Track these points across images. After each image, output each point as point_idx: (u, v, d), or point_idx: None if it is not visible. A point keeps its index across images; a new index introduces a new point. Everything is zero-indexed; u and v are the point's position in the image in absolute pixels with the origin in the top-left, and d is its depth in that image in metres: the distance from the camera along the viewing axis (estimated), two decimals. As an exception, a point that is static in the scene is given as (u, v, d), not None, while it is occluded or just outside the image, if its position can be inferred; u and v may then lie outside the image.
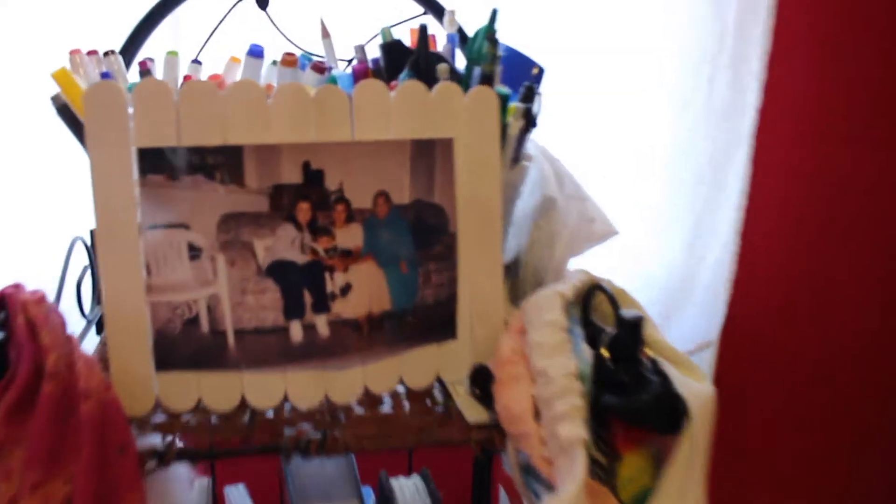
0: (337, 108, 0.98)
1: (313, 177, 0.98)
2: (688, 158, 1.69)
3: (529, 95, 1.19)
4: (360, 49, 1.19)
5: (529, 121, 1.17)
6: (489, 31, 1.14)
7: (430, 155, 1.04)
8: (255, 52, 1.10)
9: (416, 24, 1.20)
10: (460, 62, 1.24)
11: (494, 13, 1.14)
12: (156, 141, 0.91)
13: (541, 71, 1.30)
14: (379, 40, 1.20)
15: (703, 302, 1.77)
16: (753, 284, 1.82)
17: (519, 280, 1.27)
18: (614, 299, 1.03)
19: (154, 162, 0.91)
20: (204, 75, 1.20)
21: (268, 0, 1.34)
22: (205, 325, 0.95)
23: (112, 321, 0.92)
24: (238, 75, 1.18)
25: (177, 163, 0.92)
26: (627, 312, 0.98)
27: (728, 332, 1.77)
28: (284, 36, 1.35)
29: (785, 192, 1.83)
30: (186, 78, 1.16)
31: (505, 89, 1.14)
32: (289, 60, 1.10)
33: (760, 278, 1.85)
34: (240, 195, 0.95)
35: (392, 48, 1.19)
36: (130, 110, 0.90)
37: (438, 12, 1.36)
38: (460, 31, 1.33)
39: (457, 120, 1.06)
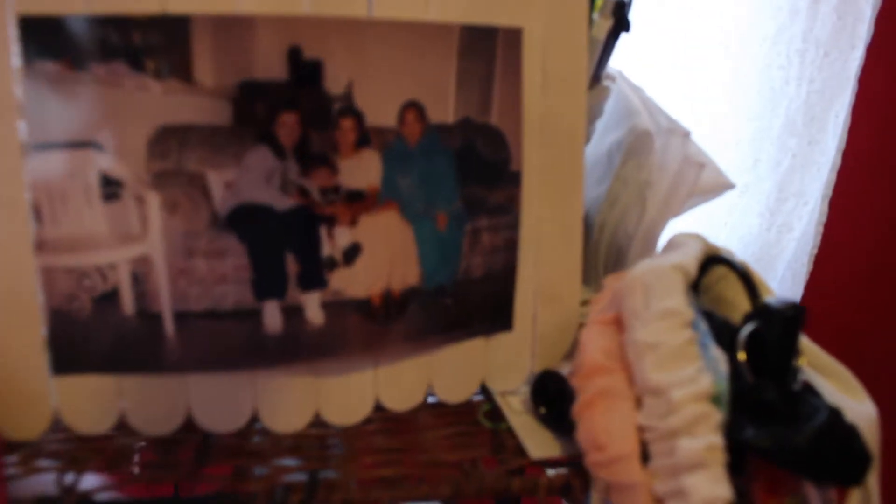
0: (345, -37, 0.61)
1: (306, 72, 0.63)
2: (777, 102, 1.35)
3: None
4: None
5: (621, 21, 0.80)
6: None
7: (487, 51, 0.69)
8: None
9: None
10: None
11: None
12: (49, 4, 0.59)
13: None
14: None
15: (782, 282, 1.43)
16: (836, 262, 1.48)
17: (589, 247, 0.90)
18: (751, 280, 0.71)
19: (46, 40, 0.59)
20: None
21: None
22: (128, 305, 0.64)
23: None
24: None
25: (83, 41, 0.59)
26: (777, 300, 0.68)
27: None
28: None
29: (881, 152, 1.48)
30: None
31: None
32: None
33: (844, 255, 1.50)
34: (186, 97, 0.62)
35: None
36: None
37: None
38: None
39: (529, 1, 0.70)
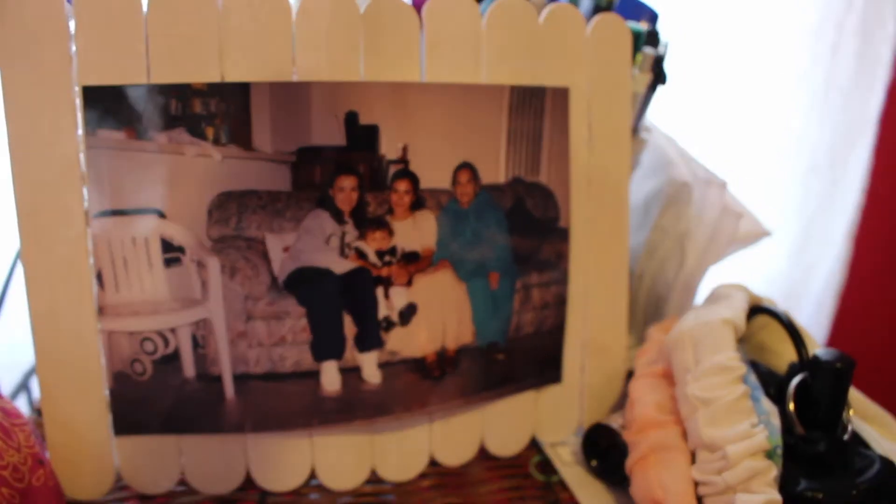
0: (399, 32, 0.61)
1: (362, 136, 0.61)
2: (801, 145, 1.32)
3: (654, 41, 0.79)
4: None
5: (659, 74, 0.78)
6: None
7: (536, 110, 0.67)
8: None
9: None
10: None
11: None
12: (112, 75, 0.58)
13: (653, 17, 0.90)
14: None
15: (809, 320, 1.39)
16: (863, 299, 1.44)
17: (629, 299, 0.88)
18: (796, 330, 0.67)
19: (109, 109, 0.57)
20: None
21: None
22: (188, 368, 0.62)
23: (45, 362, 0.61)
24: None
25: (144, 110, 0.58)
26: (826, 352, 0.66)
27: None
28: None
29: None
30: None
31: (636, 25, 0.75)
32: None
33: (871, 293, 1.46)
34: (245, 163, 0.60)
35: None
36: (72, 27, 0.57)
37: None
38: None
39: (575, 60, 0.69)
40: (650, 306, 0.90)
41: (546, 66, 0.68)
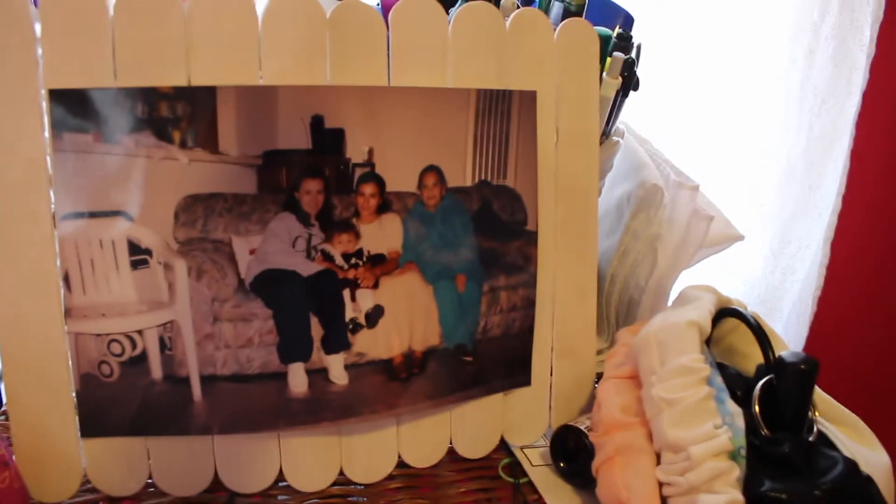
0: (365, 36, 0.61)
1: (328, 140, 0.61)
2: (778, 149, 1.32)
3: (625, 45, 0.80)
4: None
5: (630, 80, 0.78)
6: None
7: (502, 114, 0.66)
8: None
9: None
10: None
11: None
12: (79, 79, 0.57)
13: (628, 20, 0.91)
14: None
15: (787, 323, 1.40)
16: (840, 302, 1.44)
17: (601, 299, 0.88)
18: (763, 332, 0.68)
19: (75, 112, 0.57)
20: None
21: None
22: (156, 370, 0.62)
23: (11, 364, 0.61)
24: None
25: (111, 114, 0.58)
26: (791, 354, 0.66)
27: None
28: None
29: (881, 195, 1.44)
30: None
31: (605, 30, 0.75)
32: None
33: (848, 296, 1.46)
34: (212, 166, 0.60)
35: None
36: (38, 30, 0.57)
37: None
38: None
39: (542, 64, 0.68)
40: (622, 309, 0.90)
41: (513, 71, 0.68)
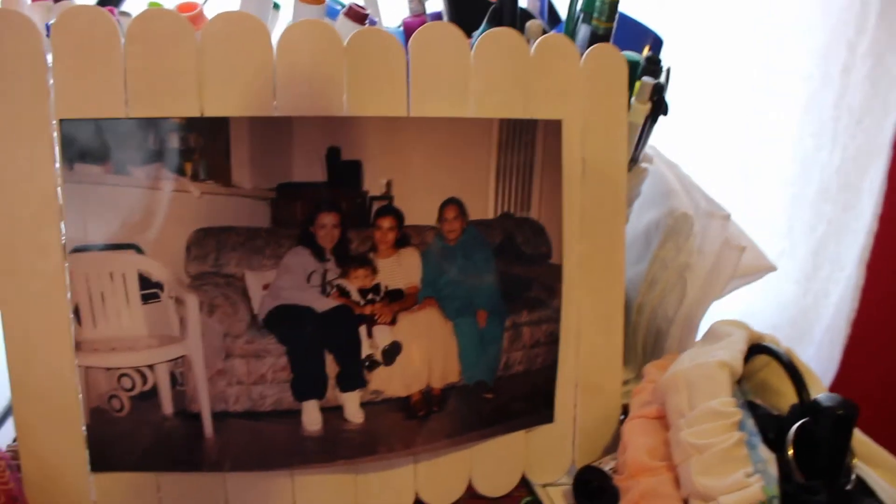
0: (384, 64, 0.58)
1: (344, 172, 0.58)
2: (810, 170, 1.27)
3: (654, 69, 0.76)
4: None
5: (659, 104, 0.75)
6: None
7: (526, 144, 0.63)
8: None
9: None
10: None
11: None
12: (90, 109, 0.55)
13: (657, 42, 0.87)
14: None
15: (820, 347, 1.35)
16: (875, 326, 1.39)
17: (628, 329, 0.84)
18: (797, 372, 0.65)
19: (86, 143, 0.55)
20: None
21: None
22: (167, 405, 0.59)
23: (22, 397, 0.58)
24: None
25: (122, 145, 0.55)
26: (828, 397, 0.61)
27: (839, 385, 1.37)
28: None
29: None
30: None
31: (633, 54, 0.72)
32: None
33: (884, 320, 1.41)
34: (224, 199, 0.57)
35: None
36: (49, 59, 0.54)
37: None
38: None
39: (568, 92, 0.65)
40: (649, 340, 0.86)
41: (537, 99, 0.64)
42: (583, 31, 0.76)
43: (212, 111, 0.56)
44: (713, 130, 1.26)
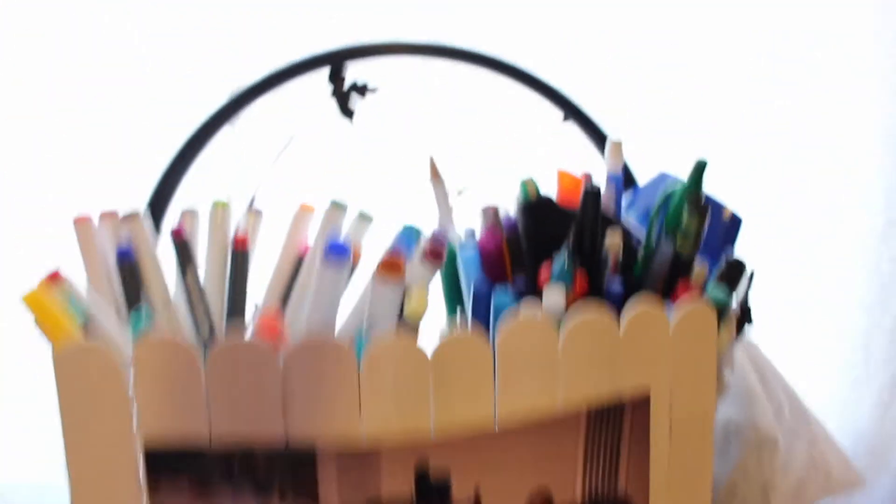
0: (470, 372, 0.57)
1: (433, 493, 0.57)
2: (888, 297, 1.20)
3: (735, 274, 0.73)
4: (492, 213, 0.74)
5: (744, 318, 0.72)
6: (692, 191, 0.70)
7: (614, 426, 0.60)
8: (337, 252, 0.63)
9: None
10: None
11: (701, 166, 0.70)
12: (173, 436, 0.54)
13: (736, 221, 0.83)
14: (516, 193, 0.76)
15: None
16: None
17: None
18: None
19: (172, 473, 0.55)
20: (259, 232, 0.79)
21: (353, 110, 0.90)
22: None
23: None
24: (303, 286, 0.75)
25: (209, 474, 0.55)
26: None
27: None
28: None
29: None
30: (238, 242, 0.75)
31: (721, 293, 0.69)
32: (390, 265, 0.64)
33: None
34: None
35: (538, 208, 0.75)
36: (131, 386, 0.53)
37: (596, 137, 0.90)
38: (625, 168, 0.87)
39: (657, 361, 0.63)
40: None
41: (626, 372, 0.62)
42: (664, 249, 0.73)
43: (297, 434, 0.54)
44: (789, 251, 1.22)
